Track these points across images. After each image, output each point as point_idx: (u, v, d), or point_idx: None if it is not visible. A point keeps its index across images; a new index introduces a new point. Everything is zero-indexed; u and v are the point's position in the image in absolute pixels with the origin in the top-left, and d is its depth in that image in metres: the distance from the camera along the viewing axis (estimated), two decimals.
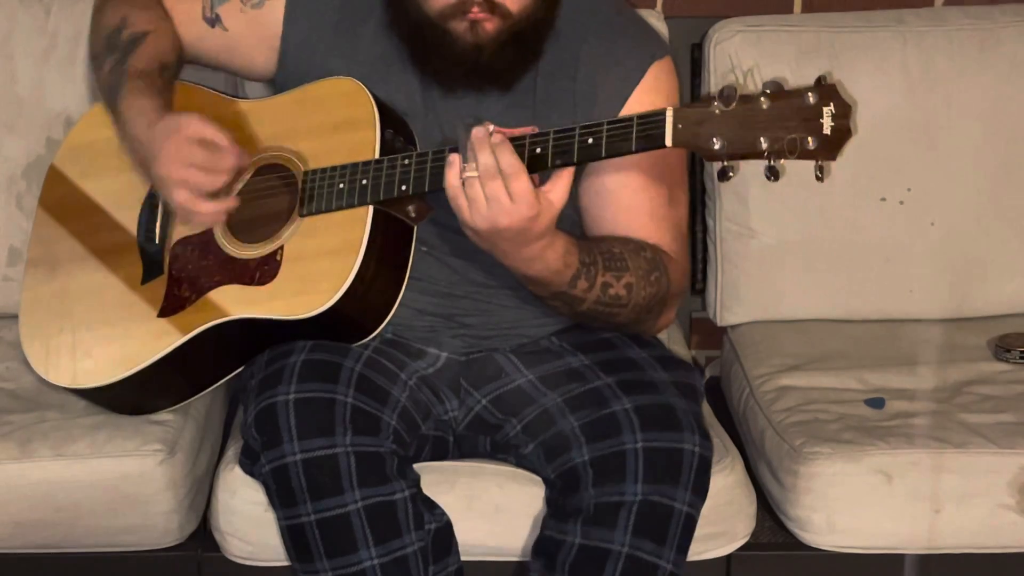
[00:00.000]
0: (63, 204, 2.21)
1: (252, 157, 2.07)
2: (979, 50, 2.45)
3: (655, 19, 2.44)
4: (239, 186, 2.07)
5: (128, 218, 2.13)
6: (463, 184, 1.83)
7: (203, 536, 2.15)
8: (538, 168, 1.87)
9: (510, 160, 1.81)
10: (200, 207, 1.96)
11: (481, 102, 2.03)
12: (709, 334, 2.70)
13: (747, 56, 2.44)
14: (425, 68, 2.03)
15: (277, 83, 2.16)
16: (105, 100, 2.10)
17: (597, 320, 2.03)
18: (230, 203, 1.99)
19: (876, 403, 2.24)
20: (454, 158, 1.84)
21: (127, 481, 2.06)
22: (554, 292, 1.96)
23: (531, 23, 1.98)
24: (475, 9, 1.94)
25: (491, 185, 1.81)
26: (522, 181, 1.81)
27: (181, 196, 1.95)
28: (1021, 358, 2.36)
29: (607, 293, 1.96)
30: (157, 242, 2.10)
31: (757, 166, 1.78)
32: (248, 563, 2.09)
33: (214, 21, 2.14)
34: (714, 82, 2.47)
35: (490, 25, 1.95)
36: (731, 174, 1.78)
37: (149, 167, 1.98)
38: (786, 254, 2.48)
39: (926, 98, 2.44)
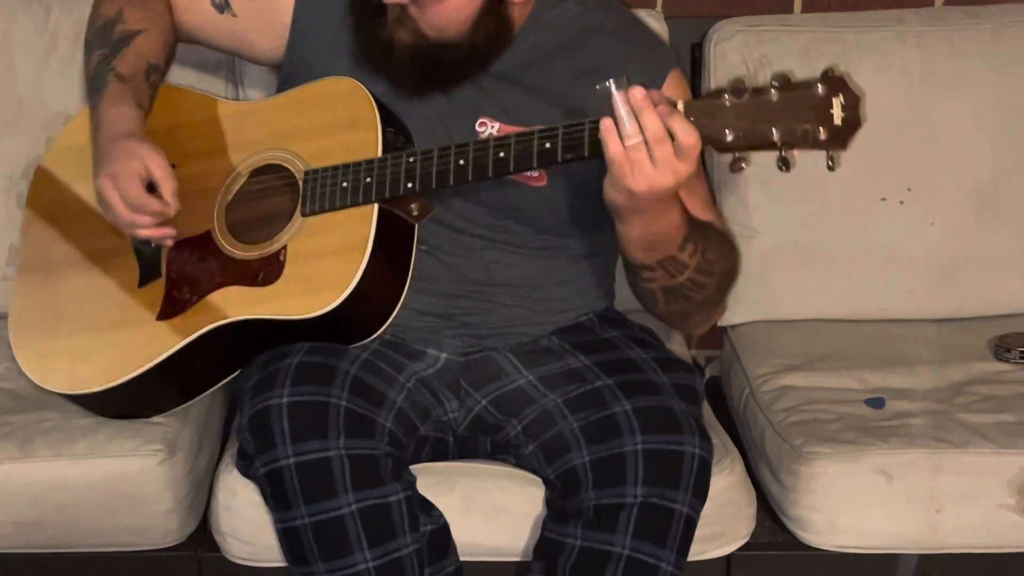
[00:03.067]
0: (53, 206, 2.20)
1: (241, 164, 2.08)
2: (979, 50, 2.45)
3: (655, 19, 2.44)
4: (236, 187, 2.08)
5: None
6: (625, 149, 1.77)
7: (203, 537, 2.15)
8: (547, 163, 1.87)
9: (686, 128, 1.76)
10: (122, 231, 2.04)
11: (487, 100, 2.03)
12: (709, 334, 2.70)
13: (747, 56, 2.44)
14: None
15: (283, 71, 2.16)
16: (87, 91, 2.12)
17: (683, 298, 1.98)
18: (162, 233, 2.02)
19: (876, 403, 2.24)
20: (609, 123, 1.77)
21: (127, 481, 2.07)
22: (664, 256, 1.92)
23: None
24: None
25: (660, 149, 1.76)
26: (698, 146, 1.76)
27: (107, 212, 2.02)
28: (1021, 358, 2.35)
29: (705, 258, 1.94)
30: (153, 244, 2.09)
31: (758, 166, 1.78)
32: (248, 564, 2.09)
33: (223, 7, 2.15)
34: (714, 82, 2.47)
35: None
36: (743, 165, 1.78)
37: (95, 174, 2.02)
38: (786, 254, 2.48)
39: (926, 98, 2.45)
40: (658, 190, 1.79)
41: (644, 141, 1.76)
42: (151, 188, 2.00)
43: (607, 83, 1.77)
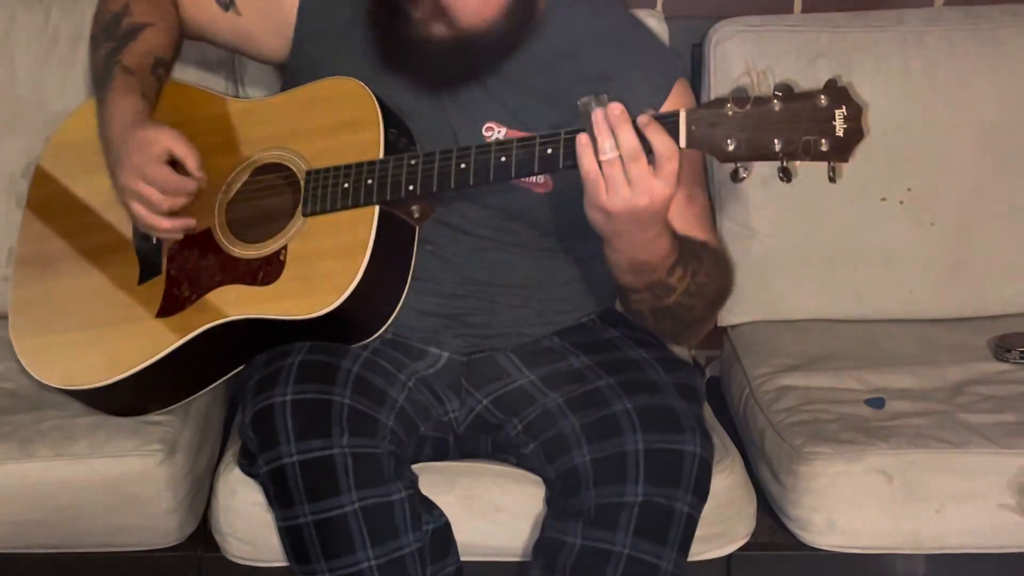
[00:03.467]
0: (52, 204, 2.20)
1: (243, 162, 2.08)
2: (979, 50, 2.46)
3: (655, 19, 2.44)
4: (238, 185, 2.08)
5: (119, 217, 2.12)
6: (600, 166, 1.76)
7: (203, 536, 2.15)
8: (548, 169, 1.86)
9: (665, 141, 1.75)
10: (155, 222, 2.01)
11: (495, 104, 2.03)
12: (709, 334, 2.69)
13: (747, 56, 2.44)
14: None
15: (287, 70, 2.16)
16: (94, 85, 2.12)
17: (671, 317, 1.98)
18: (188, 222, 2.03)
19: (876, 403, 2.24)
20: (585, 138, 1.77)
21: (127, 481, 2.06)
22: (652, 281, 1.91)
23: None
24: None
25: (635, 166, 1.75)
26: (675, 162, 1.75)
27: (138, 209, 2.01)
28: (1021, 358, 2.36)
29: (694, 281, 1.93)
30: (154, 241, 2.09)
31: (759, 166, 1.78)
32: (248, 564, 2.09)
33: (228, 5, 2.14)
34: (715, 82, 2.47)
35: None
36: (743, 175, 1.78)
37: (115, 173, 2.02)
38: (786, 254, 2.49)
39: (926, 98, 2.45)
40: (635, 211, 1.78)
41: (620, 158, 1.75)
42: (172, 166, 2.00)
43: (586, 98, 1.77)
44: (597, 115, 1.76)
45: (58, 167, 2.23)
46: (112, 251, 2.12)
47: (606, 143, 1.75)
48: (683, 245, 1.92)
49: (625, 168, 1.76)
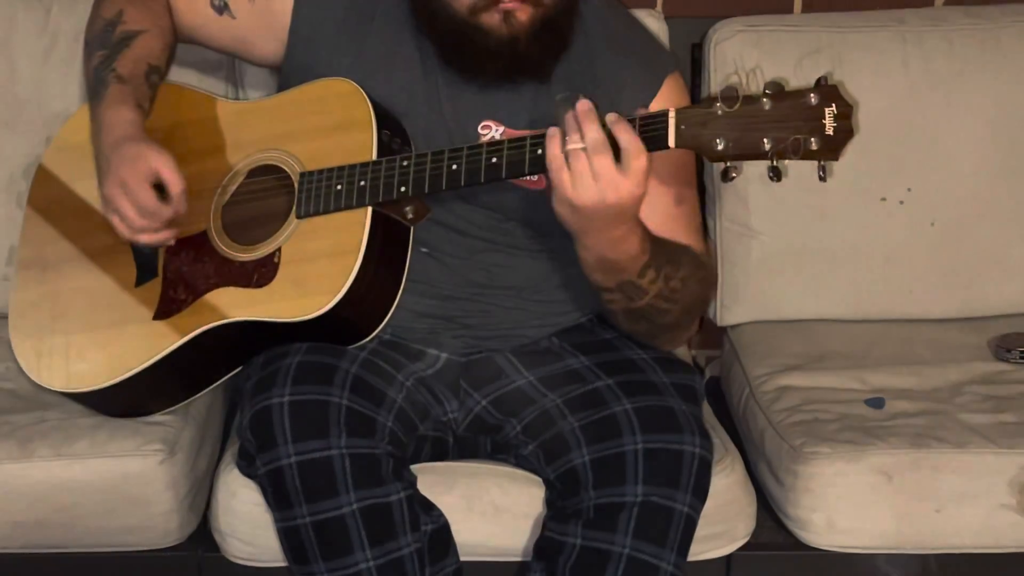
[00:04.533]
0: (53, 205, 2.20)
1: (238, 164, 2.08)
2: (979, 50, 2.45)
3: (655, 19, 2.44)
4: (233, 187, 2.07)
5: None
6: (566, 157, 1.77)
7: (203, 537, 2.15)
8: (538, 169, 1.87)
9: (631, 139, 1.76)
10: (130, 237, 2.01)
11: (491, 103, 2.03)
12: (709, 334, 2.70)
13: (747, 56, 2.44)
14: (461, 67, 2.01)
15: (283, 72, 2.15)
16: (87, 92, 2.12)
17: (645, 320, 1.99)
18: (167, 236, 2.02)
19: (876, 403, 2.24)
20: (554, 130, 1.79)
21: (127, 481, 2.07)
22: (622, 281, 1.91)
23: (561, 10, 1.98)
24: None
25: (599, 160, 1.76)
26: (642, 160, 1.76)
27: (115, 222, 2.00)
28: (1021, 358, 2.36)
29: (668, 285, 1.93)
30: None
31: (758, 166, 1.78)
32: (248, 564, 2.10)
33: (222, 8, 2.14)
34: (715, 82, 2.47)
35: (523, 15, 1.94)
36: (734, 175, 1.78)
37: (101, 181, 2.01)
38: (786, 254, 2.48)
39: (926, 98, 2.45)
40: (602, 207, 1.78)
41: (585, 151, 1.76)
42: (158, 188, 1.99)
43: (562, 96, 1.80)
44: (568, 112, 1.78)
45: (60, 168, 2.23)
46: (111, 253, 2.11)
47: (572, 135, 1.76)
48: (657, 248, 1.91)
49: (590, 161, 1.76)
